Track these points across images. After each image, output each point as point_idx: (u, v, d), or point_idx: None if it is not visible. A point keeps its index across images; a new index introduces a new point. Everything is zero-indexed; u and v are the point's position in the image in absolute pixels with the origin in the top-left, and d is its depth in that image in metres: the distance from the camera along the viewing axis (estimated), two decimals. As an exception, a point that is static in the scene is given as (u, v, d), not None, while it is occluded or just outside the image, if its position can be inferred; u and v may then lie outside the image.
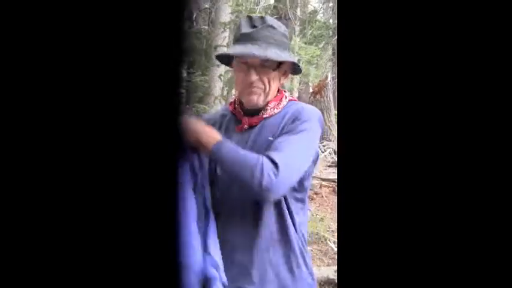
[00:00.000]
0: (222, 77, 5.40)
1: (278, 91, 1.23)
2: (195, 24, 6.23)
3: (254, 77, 1.14)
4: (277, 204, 1.14)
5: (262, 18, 1.15)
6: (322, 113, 5.61)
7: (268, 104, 1.20)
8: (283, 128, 1.15)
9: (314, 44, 7.77)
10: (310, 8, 8.86)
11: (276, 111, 1.20)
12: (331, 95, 7.57)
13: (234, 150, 1.05)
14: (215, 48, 5.28)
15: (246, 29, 1.15)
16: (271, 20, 1.16)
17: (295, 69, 1.23)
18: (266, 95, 1.18)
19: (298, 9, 5.23)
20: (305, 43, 7.87)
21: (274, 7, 4.22)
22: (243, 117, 1.21)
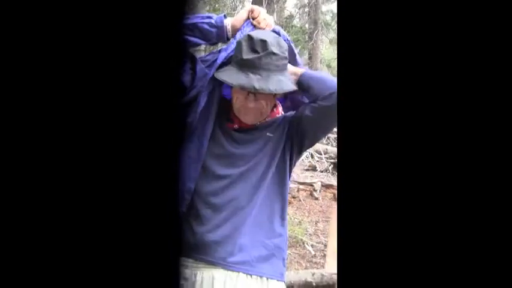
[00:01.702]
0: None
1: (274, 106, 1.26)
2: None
3: (253, 104, 1.15)
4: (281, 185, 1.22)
5: (263, 42, 1.12)
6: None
7: (263, 120, 1.23)
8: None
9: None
10: (286, 13, 8.94)
11: (268, 119, 1.23)
12: (307, 99, 7.64)
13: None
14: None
15: (246, 54, 1.12)
16: (272, 43, 1.13)
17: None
18: (263, 115, 1.20)
19: (275, 14, 5.27)
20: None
21: (251, 12, 4.26)
22: (235, 117, 1.22)
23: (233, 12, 4.84)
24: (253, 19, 1.19)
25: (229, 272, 1.14)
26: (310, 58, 8.74)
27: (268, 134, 1.19)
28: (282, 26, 5.72)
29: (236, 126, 1.20)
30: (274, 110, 1.24)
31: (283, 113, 1.25)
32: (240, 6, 4.80)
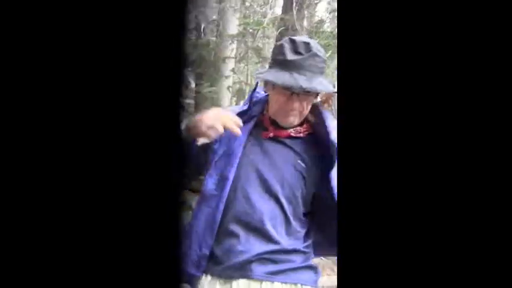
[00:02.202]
0: (230, 88, 5.45)
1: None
2: (203, 35, 6.30)
3: (297, 104, 1.18)
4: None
5: (306, 44, 1.16)
6: (331, 122, 5.63)
7: (297, 126, 1.23)
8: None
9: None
10: (316, 18, 8.90)
11: (302, 135, 1.23)
12: (338, 104, 7.57)
13: None
14: (223, 60, 5.33)
15: (290, 55, 1.15)
16: (315, 46, 1.17)
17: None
18: (302, 116, 1.21)
19: (305, 20, 5.29)
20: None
21: (281, 19, 4.28)
22: (270, 125, 1.24)
23: (263, 20, 4.88)
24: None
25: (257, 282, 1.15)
26: (341, 63, 8.66)
27: (299, 161, 1.17)
28: (312, 31, 5.70)
29: (271, 134, 1.21)
30: (306, 124, 1.25)
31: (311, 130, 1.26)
32: (270, 13, 4.84)
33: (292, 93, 1.17)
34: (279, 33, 4.30)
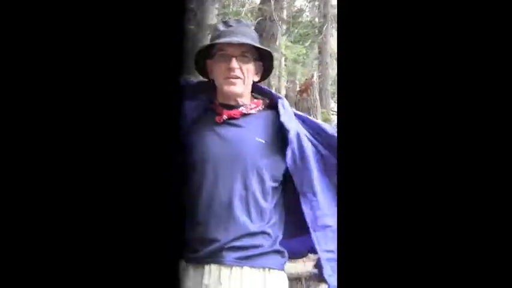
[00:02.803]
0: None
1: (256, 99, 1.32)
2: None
3: (235, 63, 1.24)
4: None
5: (238, 20, 1.32)
6: (309, 111, 5.68)
7: (246, 103, 1.28)
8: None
9: (300, 42, 7.85)
10: (295, 8, 8.92)
11: (254, 111, 1.28)
12: (317, 94, 7.64)
13: None
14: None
15: (222, 27, 1.29)
16: (245, 22, 1.33)
17: (267, 67, 1.35)
18: (245, 85, 1.26)
19: (284, 10, 5.30)
20: (291, 42, 7.93)
21: (259, 9, 4.28)
22: (222, 109, 1.28)
23: (241, 9, 4.88)
24: None
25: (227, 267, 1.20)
26: (319, 52, 8.72)
27: (257, 139, 1.23)
28: (290, 22, 5.71)
29: (225, 116, 1.24)
30: (255, 100, 1.30)
31: (262, 107, 1.30)
32: (249, 4, 4.84)
33: (230, 56, 1.24)
34: (257, 23, 4.32)
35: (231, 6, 5.31)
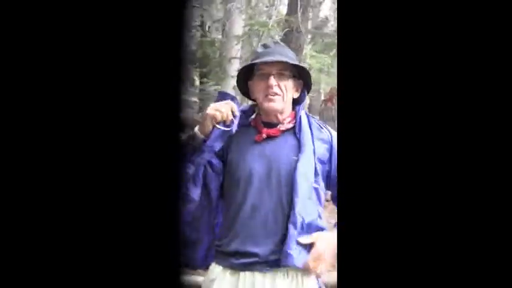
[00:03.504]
0: (235, 88, 5.54)
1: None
2: (208, 34, 6.41)
3: (273, 81, 1.32)
4: None
5: (275, 42, 1.40)
6: (333, 120, 5.74)
7: (285, 119, 1.37)
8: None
9: (325, 52, 7.89)
10: (320, 18, 8.98)
11: (290, 125, 1.37)
12: (342, 103, 7.64)
13: None
14: (229, 60, 5.45)
15: (260, 49, 1.40)
16: (280, 43, 1.44)
17: (307, 84, 1.42)
18: (284, 102, 1.35)
19: (310, 22, 5.39)
20: (316, 51, 7.97)
21: (286, 20, 4.39)
22: (262, 128, 1.37)
23: (268, 21, 4.99)
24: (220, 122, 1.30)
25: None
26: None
27: (293, 157, 1.33)
28: (316, 33, 5.76)
29: (264, 136, 1.34)
30: (292, 111, 1.40)
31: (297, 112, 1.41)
32: (275, 15, 4.96)
33: (269, 74, 1.32)
34: (284, 34, 4.42)
35: (258, 17, 5.44)
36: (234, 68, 5.66)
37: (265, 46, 1.41)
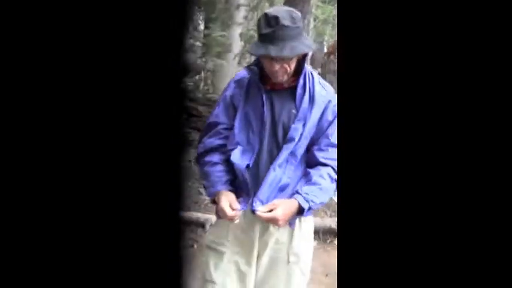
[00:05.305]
0: (242, 36, 5.62)
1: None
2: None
3: (276, 67, 1.47)
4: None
5: (275, 18, 1.44)
6: (334, 74, 5.85)
7: (289, 79, 1.54)
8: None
9: (331, 3, 7.82)
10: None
11: (294, 84, 1.55)
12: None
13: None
14: (237, 7, 5.47)
15: (264, 29, 1.46)
16: (283, 17, 1.45)
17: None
18: (288, 74, 1.52)
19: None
20: (322, 2, 7.87)
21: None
22: (269, 79, 1.56)
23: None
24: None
25: None
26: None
27: (293, 111, 1.51)
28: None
29: (268, 87, 1.53)
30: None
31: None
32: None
33: (271, 59, 1.42)
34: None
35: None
36: (241, 15, 5.70)
37: (268, 24, 1.44)
